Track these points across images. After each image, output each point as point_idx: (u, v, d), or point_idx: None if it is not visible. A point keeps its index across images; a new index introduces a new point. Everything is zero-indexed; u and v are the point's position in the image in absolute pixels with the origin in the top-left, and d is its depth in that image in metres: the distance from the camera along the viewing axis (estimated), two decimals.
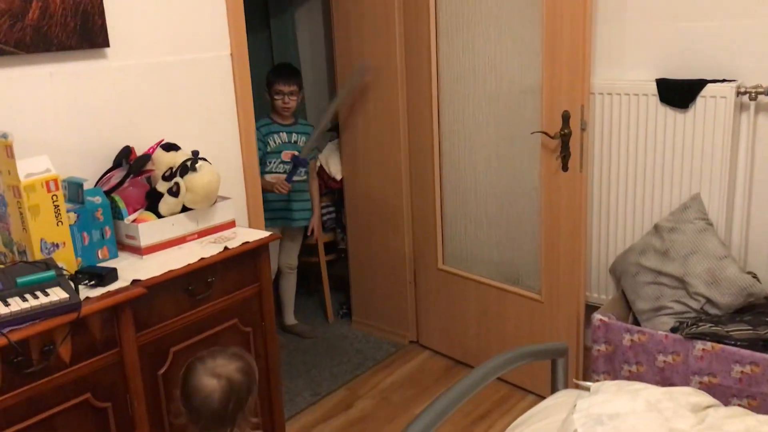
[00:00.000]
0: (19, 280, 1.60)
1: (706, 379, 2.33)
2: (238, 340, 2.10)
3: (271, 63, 3.97)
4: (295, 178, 3.33)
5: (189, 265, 1.93)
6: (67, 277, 1.68)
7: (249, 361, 1.72)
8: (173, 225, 2.07)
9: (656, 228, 2.69)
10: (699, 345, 2.34)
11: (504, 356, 1.78)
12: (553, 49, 2.54)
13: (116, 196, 2.04)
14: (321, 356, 3.40)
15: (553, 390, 2.01)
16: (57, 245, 1.76)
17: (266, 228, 2.62)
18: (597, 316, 2.58)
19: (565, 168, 2.60)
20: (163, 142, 2.17)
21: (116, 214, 2.02)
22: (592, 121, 2.78)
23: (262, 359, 2.19)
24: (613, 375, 2.56)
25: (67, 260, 1.78)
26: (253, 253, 2.13)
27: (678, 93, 2.63)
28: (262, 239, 2.14)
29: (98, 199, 1.95)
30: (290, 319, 3.68)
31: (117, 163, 2.14)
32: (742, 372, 2.26)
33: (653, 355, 2.44)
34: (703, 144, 2.60)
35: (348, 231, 3.62)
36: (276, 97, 3.34)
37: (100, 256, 1.95)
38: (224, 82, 2.47)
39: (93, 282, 1.76)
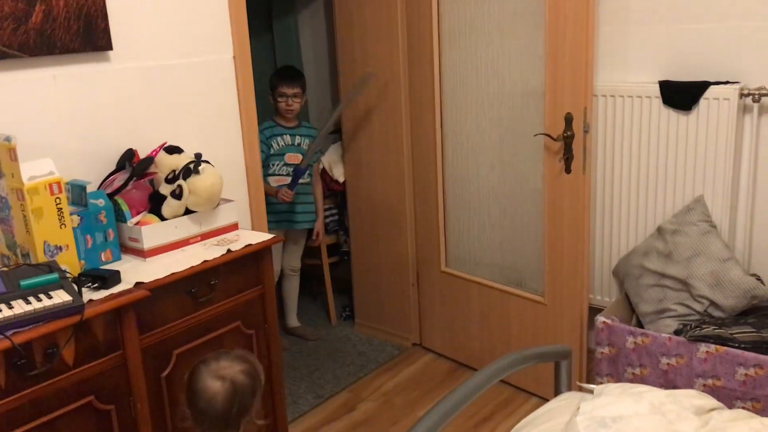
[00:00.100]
0: (23, 282, 1.61)
1: (709, 381, 2.33)
2: (241, 342, 2.10)
3: (274, 66, 3.97)
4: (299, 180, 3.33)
5: (192, 267, 1.93)
6: (70, 279, 1.69)
7: (254, 363, 1.71)
8: (176, 227, 2.07)
9: (659, 230, 2.69)
10: (703, 347, 2.33)
11: (507, 359, 1.77)
12: (555, 52, 2.54)
13: (119, 199, 2.05)
14: (324, 359, 3.40)
15: (557, 392, 2.00)
16: (60, 248, 1.76)
17: (270, 230, 2.62)
18: (600, 319, 2.57)
19: (568, 170, 2.60)
20: (166, 145, 2.18)
21: (119, 217, 2.02)
22: (594, 123, 2.78)
23: (264, 361, 2.19)
24: (617, 377, 2.55)
25: (71, 263, 1.78)
26: (256, 256, 2.13)
27: (681, 95, 2.62)
28: (265, 242, 2.14)
29: (101, 202, 1.95)
30: (293, 321, 3.68)
31: (120, 166, 2.14)
32: (746, 374, 2.25)
33: (657, 357, 2.43)
34: (706, 146, 2.60)
35: (351, 233, 3.62)
36: (279, 99, 3.34)
37: (103, 259, 1.96)
38: (227, 85, 2.47)
39: (96, 284, 1.76)
